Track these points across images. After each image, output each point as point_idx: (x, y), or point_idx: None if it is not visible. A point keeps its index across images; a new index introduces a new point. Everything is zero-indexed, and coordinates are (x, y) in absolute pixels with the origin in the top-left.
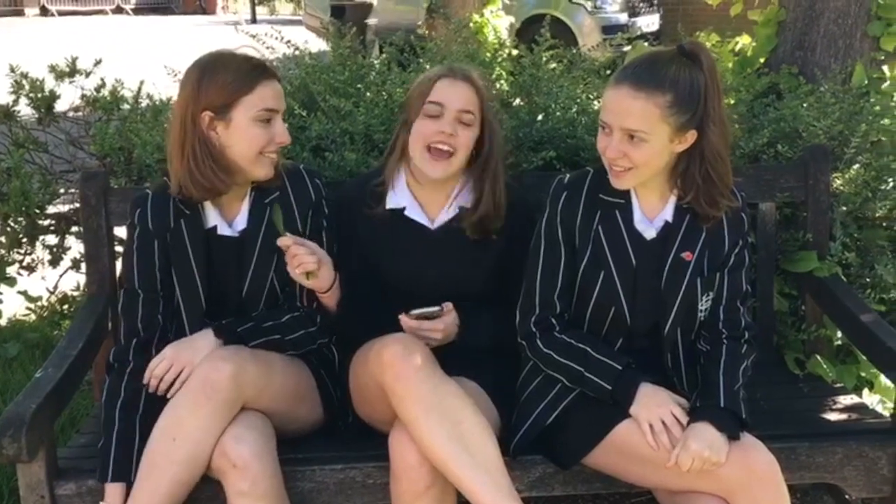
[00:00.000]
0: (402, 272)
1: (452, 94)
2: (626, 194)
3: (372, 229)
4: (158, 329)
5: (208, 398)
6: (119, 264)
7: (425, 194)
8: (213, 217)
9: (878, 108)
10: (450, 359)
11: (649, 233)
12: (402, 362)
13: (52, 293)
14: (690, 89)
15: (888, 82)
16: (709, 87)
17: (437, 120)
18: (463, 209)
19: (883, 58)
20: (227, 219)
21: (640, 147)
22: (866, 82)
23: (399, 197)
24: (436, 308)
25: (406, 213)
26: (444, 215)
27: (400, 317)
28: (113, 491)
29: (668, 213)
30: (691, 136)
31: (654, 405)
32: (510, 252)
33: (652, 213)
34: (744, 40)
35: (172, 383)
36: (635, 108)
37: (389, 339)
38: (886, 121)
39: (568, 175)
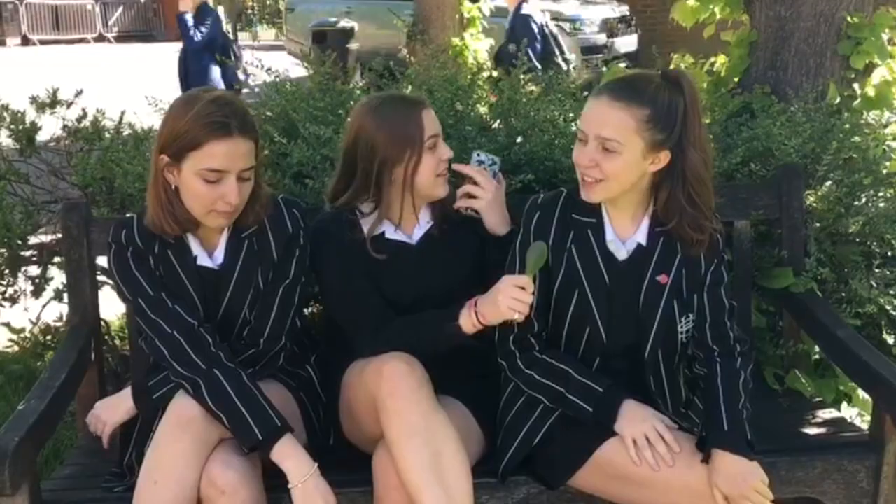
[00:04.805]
0: (393, 289)
1: (435, 122)
2: (598, 214)
3: (357, 256)
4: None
5: (184, 431)
6: (104, 296)
7: (400, 215)
8: (195, 247)
9: (847, 125)
10: (441, 372)
11: (621, 254)
12: (400, 379)
13: (34, 324)
14: (668, 109)
15: (859, 100)
16: (688, 111)
17: (436, 150)
18: (436, 211)
19: (853, 76)
20: (208, 250)
21: (612, 158)
22: (838, 100)
23: (375, 223)
24: None
25: (386, 235)
26: (420, 228)
27: None
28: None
29: (640, 236)
30: (665, 157)
31: (639, 420)
32: (484, 243)
33: (624, 234)
34: (719, 60)
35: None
36: (612, 117)
37: (393, 355)
38: (857, 138)
39: (541, 195)
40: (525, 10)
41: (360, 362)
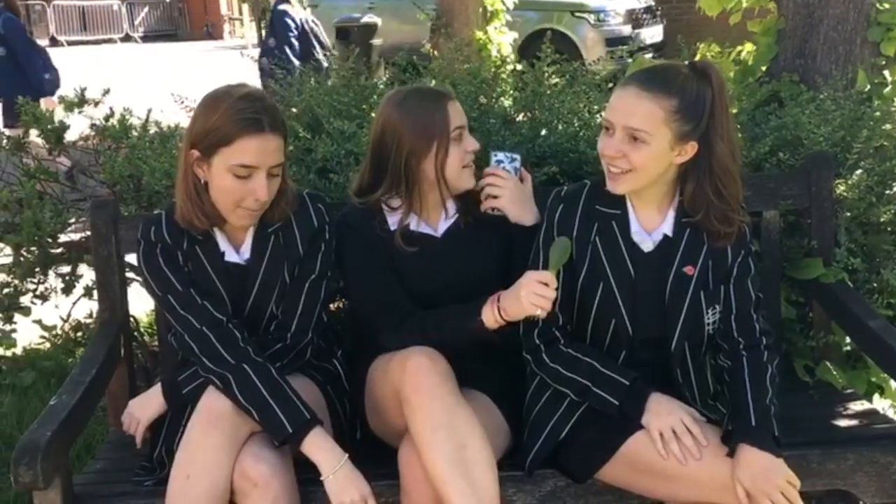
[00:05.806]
0: (417, 282)
1: (461, 114)
2: (622, 206)
3: (381, 250)
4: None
5: (215, 427)
6: (132, 292)
7: (426, 207)
8: (222, 243)
9: (878, 113)
10: (466, 366)
11: (646, 245)
12: (423, 374)
13: (65, 321)
14: (696, 100)
15: (889, 87)
16: (716, 103)
17: (462, 141)
18: (461, 204)
19: (884, 63)
20: (234, 246)
21: (640, 149)
22: (868, 87)
23: (404, 216)
24: None
25: (412, 228)
26: (445, 221)
27: None
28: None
29: (666, 227)
30: (691, 149)
31: (665, 413)
32: (512, 241)
33: (649, 226)
34: (746, 49)
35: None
36: (640, 108)
37: (417, 349)
38: (888, 126)
39: (565, 187)
40: (282, 6)
41: (384, 357)
